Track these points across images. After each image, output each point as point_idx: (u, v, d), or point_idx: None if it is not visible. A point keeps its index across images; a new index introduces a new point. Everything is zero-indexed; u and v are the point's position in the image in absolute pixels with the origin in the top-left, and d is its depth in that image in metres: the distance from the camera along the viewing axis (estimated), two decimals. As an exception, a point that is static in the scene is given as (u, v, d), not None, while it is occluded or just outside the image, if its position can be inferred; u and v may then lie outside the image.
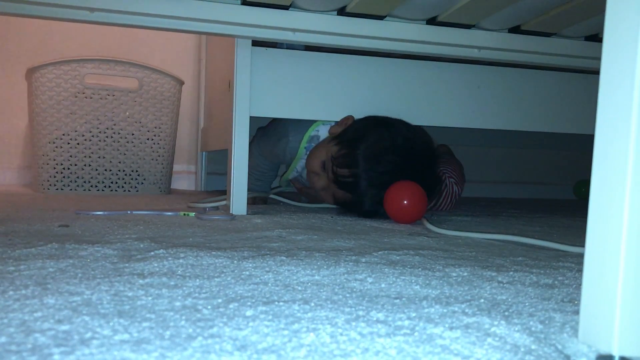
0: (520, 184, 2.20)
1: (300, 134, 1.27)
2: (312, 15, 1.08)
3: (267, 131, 1.39)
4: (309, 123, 1.27)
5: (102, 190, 1.57)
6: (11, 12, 0.98)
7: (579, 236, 0.92)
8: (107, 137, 1.56)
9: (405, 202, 1.01)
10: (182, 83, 1.65)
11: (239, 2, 1.05)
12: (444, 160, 1.37)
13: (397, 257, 0.63)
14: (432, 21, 1.14)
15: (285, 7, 1.06)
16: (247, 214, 1.10)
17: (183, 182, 1.97)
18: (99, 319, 0.35)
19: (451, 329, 0.36)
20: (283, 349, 0.31)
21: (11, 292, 0.41)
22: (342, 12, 1.09)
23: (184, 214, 1.02)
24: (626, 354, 0.32)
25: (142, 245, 0.65)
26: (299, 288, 0.47)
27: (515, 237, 0.83)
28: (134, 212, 1.03)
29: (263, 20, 1.06)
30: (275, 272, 0.53)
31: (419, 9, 1.09)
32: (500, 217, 1.21)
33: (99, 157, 1.56)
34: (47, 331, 0.32)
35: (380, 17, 1.11)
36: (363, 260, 0.61)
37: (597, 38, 1.23)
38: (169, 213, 1.02)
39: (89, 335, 0.32)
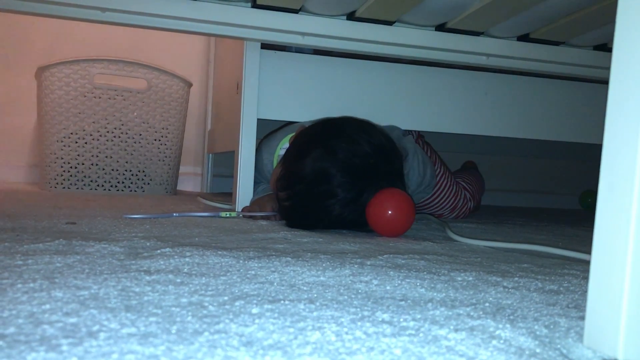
0: (525, 193, 2.20)
1: (271, 154, 1.14)
2: (322, 19, 1.09)
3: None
4: (279, 141, 1.14)
5: (109, 189, 1.57)
6: (23, 10, 0.99)
7: (584, 245, 0.91)
8: (114, 137, 1.57)
9: (390, 212, 0.87)
10: (190, 85, 1.65)
11: (249, 4, 1.06)
12: (466, 172, 1.45)
13: (403, 261, 0.64)
14: (441, 28, 1.14)
15: (295, 11, 1.07)
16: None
17: (189, 183, 1.98)
18: (106, 312, 0.36)
19: (456, 330, 0.36)
20: (289, 345, 0.32)
21: (19, 285, 0.41)
22: (351, 16, 1.09)
23: (226, 215, 1.01)
24: (631, 359, 0.32)
25: (148, 244, 0.65)
26: (305, 288, 0.47)
27: (567, 251, 0.78)
28: (178, 215, 0.99)
29: (273, 24, 1.07)
30: (280, 272, 0.53)
31: (428, 15, 1.09)
32: (506, 225, 1.21)
33: (106, 157, 1.57)
34: (55, 323, 0.33)
35: (390, 23, 1.11)
36: (368, 263, 0.61)
37: (606, 47, 1.24)
38: (211, 214, 1.01)
39: (96, 328, 0.32)
